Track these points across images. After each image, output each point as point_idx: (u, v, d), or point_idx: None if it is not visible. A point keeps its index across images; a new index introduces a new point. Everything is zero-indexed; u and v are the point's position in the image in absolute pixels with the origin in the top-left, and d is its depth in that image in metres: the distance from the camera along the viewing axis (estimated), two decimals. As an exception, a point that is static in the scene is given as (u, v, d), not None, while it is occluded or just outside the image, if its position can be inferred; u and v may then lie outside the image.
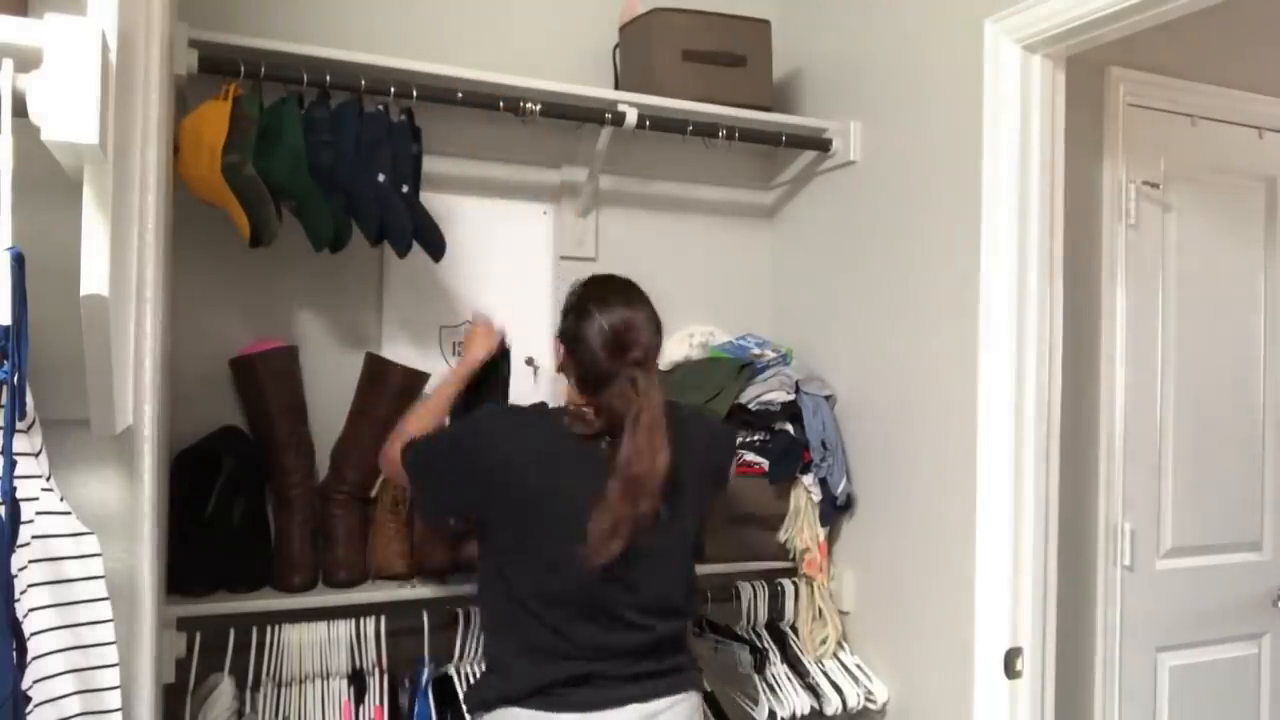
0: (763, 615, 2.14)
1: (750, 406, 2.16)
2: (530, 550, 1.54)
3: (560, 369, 1.65)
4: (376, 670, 1.79)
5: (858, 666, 2.12)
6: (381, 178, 1.81)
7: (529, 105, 1.96)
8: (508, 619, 1.57)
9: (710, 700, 2.00)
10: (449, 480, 1.59)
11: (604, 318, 1.53)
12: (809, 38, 2.40)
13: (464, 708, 1.73)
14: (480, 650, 1.85)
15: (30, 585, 0.99)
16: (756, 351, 2.28)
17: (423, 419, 1.73)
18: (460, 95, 1.91)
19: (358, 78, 1.82)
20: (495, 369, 1.88)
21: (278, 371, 1.89)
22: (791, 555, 2.20)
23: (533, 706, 1.50)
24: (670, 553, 1.59)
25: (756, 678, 2.05)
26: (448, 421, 1.78)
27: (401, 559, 1.90)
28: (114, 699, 1.05)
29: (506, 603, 1.56)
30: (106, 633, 1.05)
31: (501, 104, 1.95)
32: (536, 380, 2.17)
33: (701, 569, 2.12)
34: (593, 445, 1.53)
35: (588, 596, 1.51)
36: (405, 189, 1.84)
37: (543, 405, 1.68)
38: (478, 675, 1.84)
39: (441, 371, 2.00)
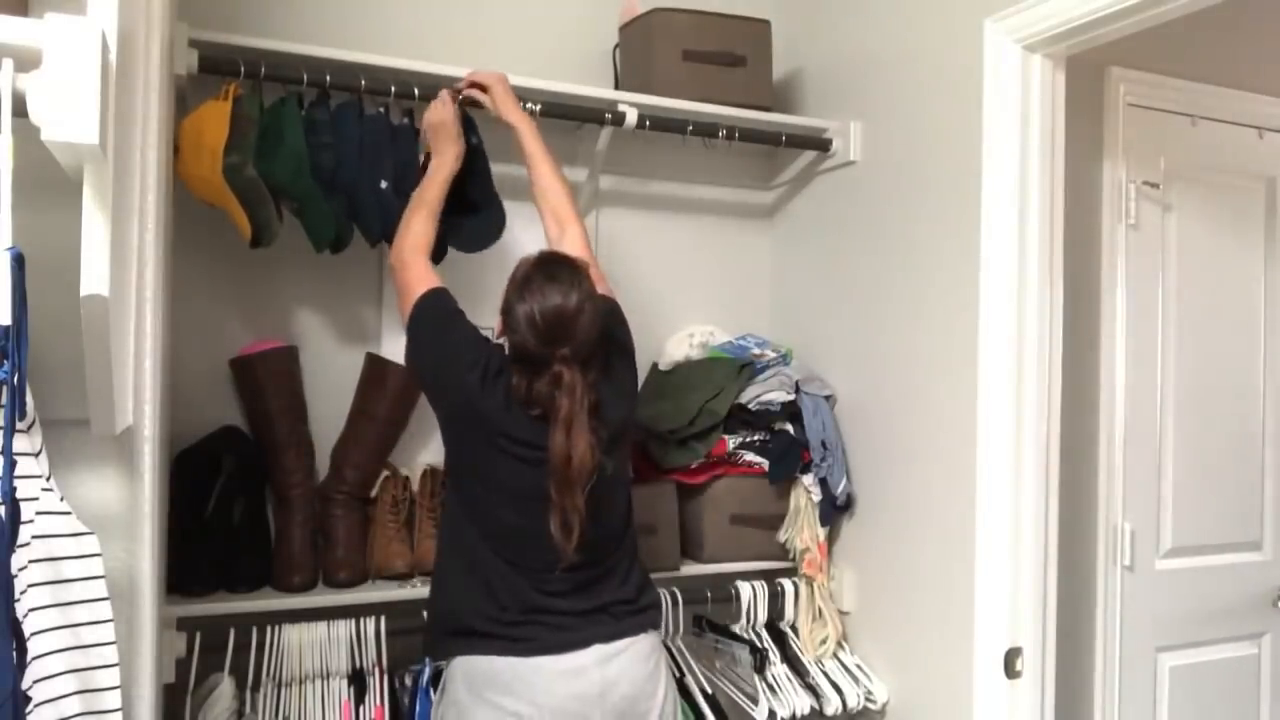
0: (763, 615, 2.14)
1: (750, 406, 2.16)
2: (474, 483, 1.59)
3: (499, 337, 1.65)
4: (376, 670, 1.79)
5: (858, 666, 2.12)
6: (384, 185, 1.81)
7: (529, 105, 1.96)
8: (460, 541, 1.61)
9: (710, 701, 2.00)
10: (433, 363, 1.60)
11: (537, 304, 1.52)
12: (809, 38, 2.40)
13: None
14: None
15: (30, 585, 0.98)
16: (756, 351, 2.28)
17: (425, 222, 1.71)
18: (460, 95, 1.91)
19: (358, 78, 1.82)
20: (474, 158, 1.85)
21: (278, 371, 1.89)
22: (791, 555, 2.20)
23: (493, 652, 1.53)
24: (605, 489, 1.58)
25: (756, 678, 2.05)
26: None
27: (401, 559, 1.90)
28: (114, 699, 1.05)
29: (462, 523, 1.61)
30: (106, 633, 1.04)
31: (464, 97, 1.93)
32: None
33: (701, 569, 2.14)
34: (535, 422, 1.54)
35: (530, 540, 1.53)
36: (408, 189, 1.84)
37: (506, 362, 1.62)
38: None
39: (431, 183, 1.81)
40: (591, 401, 1.52)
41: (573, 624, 1.56)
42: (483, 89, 1.87)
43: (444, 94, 1.84)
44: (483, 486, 1.59)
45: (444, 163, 1.79)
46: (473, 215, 1.91)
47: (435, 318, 1.61)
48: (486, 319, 2.05)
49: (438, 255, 1.88)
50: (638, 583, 1.66)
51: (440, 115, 1.81)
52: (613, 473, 1.59)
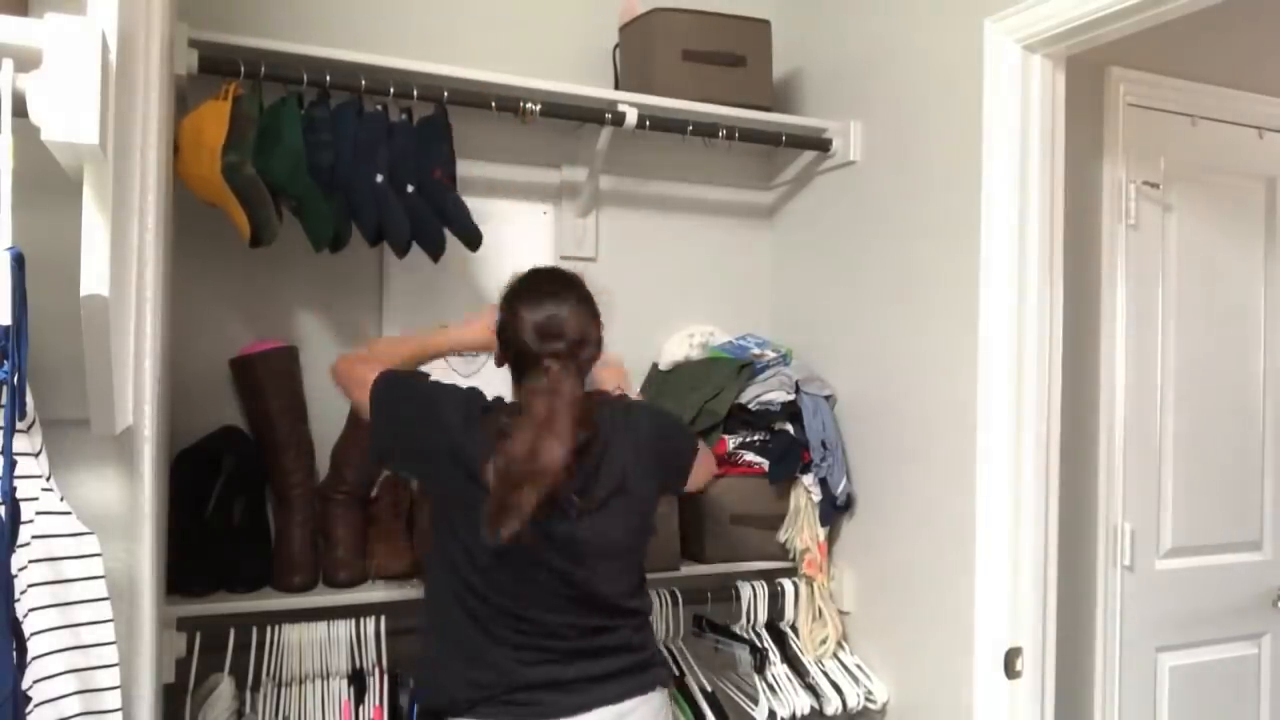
0: (763, 615, 2.14)
1: (750, 406, 2.16)
2: (462, 538, 1.51)
3: (498, 364, 1.66)
4: (376, 670, 1.79)
5: (858, 666, 2.12)
6: (379, 179, 1.81)
7: (529, 105, 1.96)
8: (445, 614, 1.56)
9: (711, 700, 2.00)
10: (407, 431, 1.56)
11: (529, 314, 1.54)
12: (809, 38, 2.40)
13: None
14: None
15: (30, 585, 0.99)
16: (756, 351, 2.28)
17: (397, 353, 1.70)
18: (460, 95, 1.91)
19: (358, 78, 1.83)
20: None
21: (278, 371, 1.89)
22: (791, 555, 2.20)
23: (487, 717, 1.49)
24: (613, 549, 1.55)
25: (756, 678, 2.05)
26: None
27: (401, 559, 1.90)
28: (114, 699, 1.05)
29: (446, 597, 1.56)
30: (106, 633, 1.05)
31: (499, 104, 1.95)
32: None
33: (701, 569, 2.14)
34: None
35: (523, 591, 1.49)
36: (410, 189, 1.84)
37: (497, 403, 1.61)
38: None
39: (437, 337, 1.82)
40: (579, 405, 1.49)
41: (580, 686, 1.51)
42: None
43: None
44: (475, 549, 1.49)
45: (470, 334, 1.74)
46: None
47: (397, 385, 1.59)
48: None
49: (435, 254, 1.89)
50: (641, 652, 1.60)
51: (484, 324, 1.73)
52: (611, 535, 1.54)
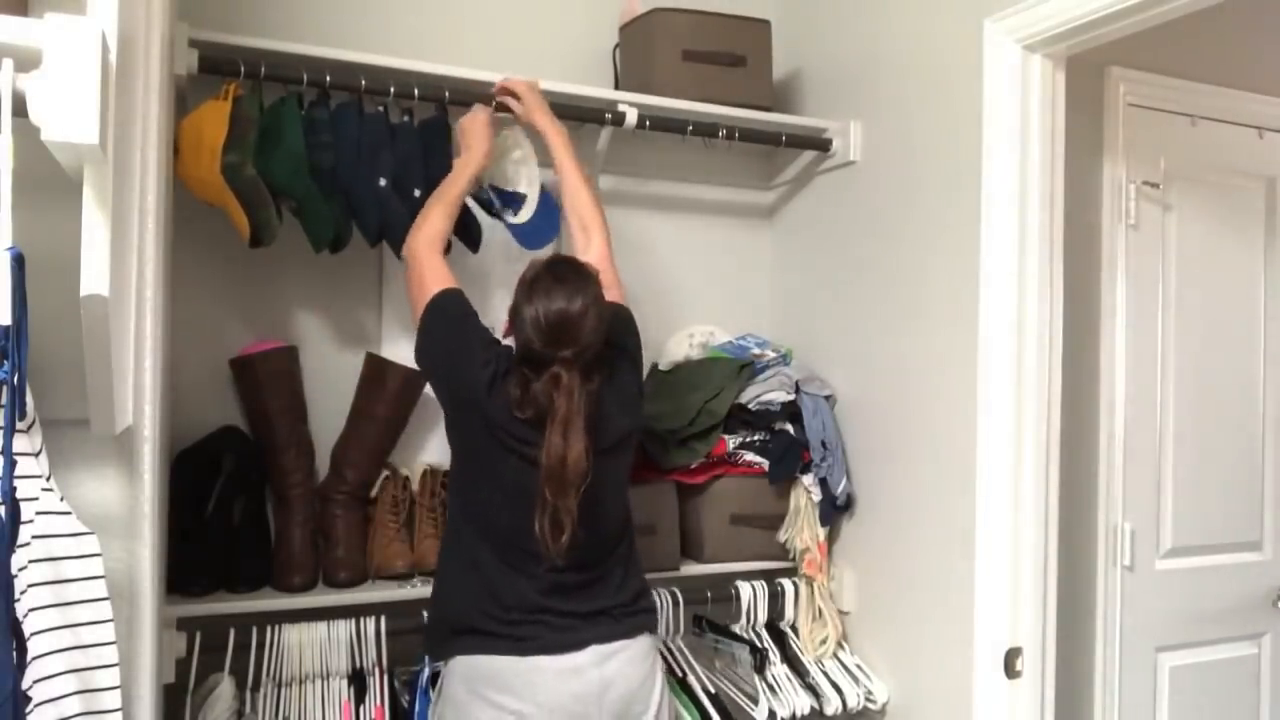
0: (763, 615, 2.14)
1: (750, 406, 2.16)
2: (477, 482, 1.60)
3: (505, 336, 1.66)
4: (376, 670, 1.79)
5: (858, 666, 2.12)
6: (383, 182, 1.81)
7: (529, 105, 1.96)
8: (461, 541, 1.63)
9: (714, 700, 2.00)
10: (445, 358, 1.62)
11: (541, 306, 1.54)
12: (809, 38, 2.39)
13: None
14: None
15: (30, 585, 0.98)
16: (756, 351, 2.28)
17: (443, 215, 1.73)
18: (461, 95, 1.91)
19: (358, 78, 1.82)
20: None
21: (278, 371, 1.89)
22: (791, 555, 2.20)
23: (494, 651, 1.54)
24: (603, 494, 1.59)
25: (756, 678, 2.05)
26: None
27: (401, 559, 1.90)
28: (114, 699, 1.05)
29: (463, 524, 1.63)
30: (106, 633, 1.04)
31: (501, 104, 1.94)
32: None
33: (701, 569, 2.14)
34: (530, 426, 1.55)
35: (530, 540, 1.53)
36: (418, 193, 1.84)
37: (511, 363, 1.63)
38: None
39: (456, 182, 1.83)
40: (589, 405, 1.53)
41: (572, 624, 1.57)
42: (514, 95, 1.90)
43: (478, 105, 1.89)
44: (485, 485, 1.59)
45: (470, 159, 1.81)
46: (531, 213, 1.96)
47: (449, 315, 1.63)
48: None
49: (475, 245, 1.90)
50: (635, 588, 1.67)
51: (473, 116, 1.86)
52: (612, 479, 1.60)
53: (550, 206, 1.99)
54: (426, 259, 1.67)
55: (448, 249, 1.82)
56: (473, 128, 1.84)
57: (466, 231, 1.95)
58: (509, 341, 1.64)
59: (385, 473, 1.98)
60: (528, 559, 1.56)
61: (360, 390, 1.96)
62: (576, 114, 2.05)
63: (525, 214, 1.96)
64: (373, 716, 1.74)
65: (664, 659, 1.85)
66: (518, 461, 1.55)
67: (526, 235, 1.97)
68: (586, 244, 1.81)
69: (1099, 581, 2.21)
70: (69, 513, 1.04)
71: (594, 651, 1.56)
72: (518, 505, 1.54)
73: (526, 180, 1.97)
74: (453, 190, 1.77)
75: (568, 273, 1.59)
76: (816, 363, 2.30)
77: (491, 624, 1.56)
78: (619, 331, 1.69)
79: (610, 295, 1.67)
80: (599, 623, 1.59)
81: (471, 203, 1.93)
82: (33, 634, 0.98)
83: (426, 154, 1.87)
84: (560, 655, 1.54)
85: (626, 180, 2.35)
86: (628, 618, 1.63)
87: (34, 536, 0.99)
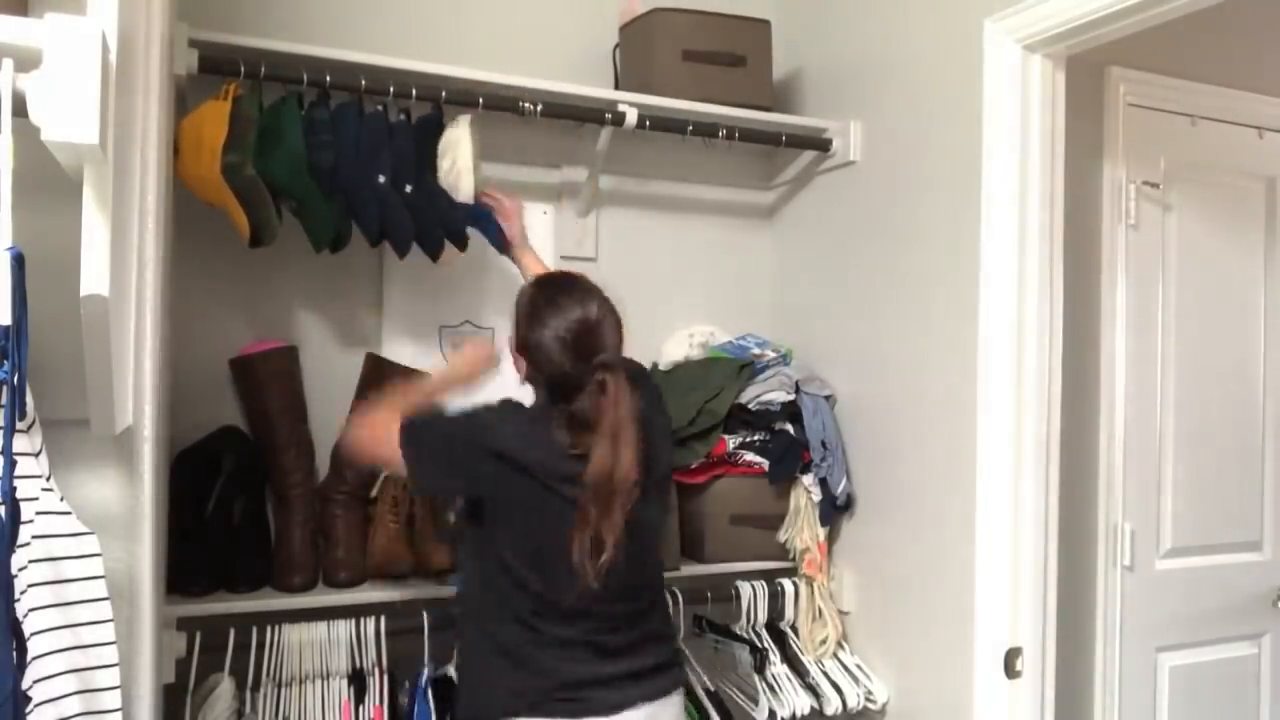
0: (763, 615, 2.14)
1: (750, 406, 2.16)
2: (523, 551, 1.50)
3: (525, 381, 1.59)
4: (376, 670, 1.79)
5: (858, 666, 2.12)
6: (382, 179, 1.81)
7: (529, 105, 1.96)
8: (488, 622, 1.55)
9: (713, 699, 2.00)
10: (450, 450, 1.52)
11: (557, 322, 1.47)
12: (809, 38, 2.39)
13: None
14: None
15: (30, 585, 0.98)
16: (756, 351, 2.28)
17: (392, 411, 1.59)
18: (460, 95, 1.91)
19: (358, 78, 1.82)
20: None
21: (278, 371, 1.89)
22: (791, 555, 2.20)
23: (545, 714, 1.48)
24: (650, 527, 1.58)
25: (756, 678, 2.05)
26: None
27: (401, 559, 1.90)
28: (114, 699, 1.05)
29: (490, 604, 1.55)
30: (106, 633, 1.05)
31: (499, 104, 1.94)
32: None
33: (701, 569, 2.14)
34: (574, 459, 1.48)
35: (576, 601, 1.48)
36: (409, 189, 1.84)
37: (538, 409, 1.58)
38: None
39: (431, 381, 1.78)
40: (638, 413, 1.46)
41: (621, 685, 1.53)
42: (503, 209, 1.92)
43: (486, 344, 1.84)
44: (532, 557, 1.49)
45: (445, 383, 1.71)
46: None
47: (428, 418, 1.55)
48: (485, 319, 2.06)
49: (434, 254, 1.89)
50: (672, 641, 1.66)
51: (481, 349, 1.77)
52: (653, 517, 1.57)
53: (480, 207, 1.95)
54: (375, 425, 1.55)
55: (404, 255, 1.84)
56: (472, 356, 1.74)
57: (427, 238, 1.88)
58: (525, 389, 1.57)
59: (385, 473, 1.97)
60: (570, 622, 1.50)
61: (360, 390, 1.96)
62: (576, 114, 2.06)
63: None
64: (372, 716, 1.74)
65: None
66: (565, 505, 1.46)
67: (492, 232, 1.94)
68: None
69: (1099, 581, 2.20)
70: (69, 513, 1.04)
71: (644, 710, 1.53)
72: (567, 561, 1.45)
73: (463, 191, 1.91)
74: (429, 391, 1.67)
75: (569, 284, 1.54)
76: (816, 363, 2.30)
77: (541, 696, 1.50)
78: (635, 372, 1.63)
79: None
80: (645, 680, 1.55)
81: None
82: (33, 634, 0.98)
83: (420, 151, 1.87)
84: (612, 715, 1.51)
85: (626, 180, 2.35)
86: (671, 669, 1.61)
87: (34, 536, 0.99)
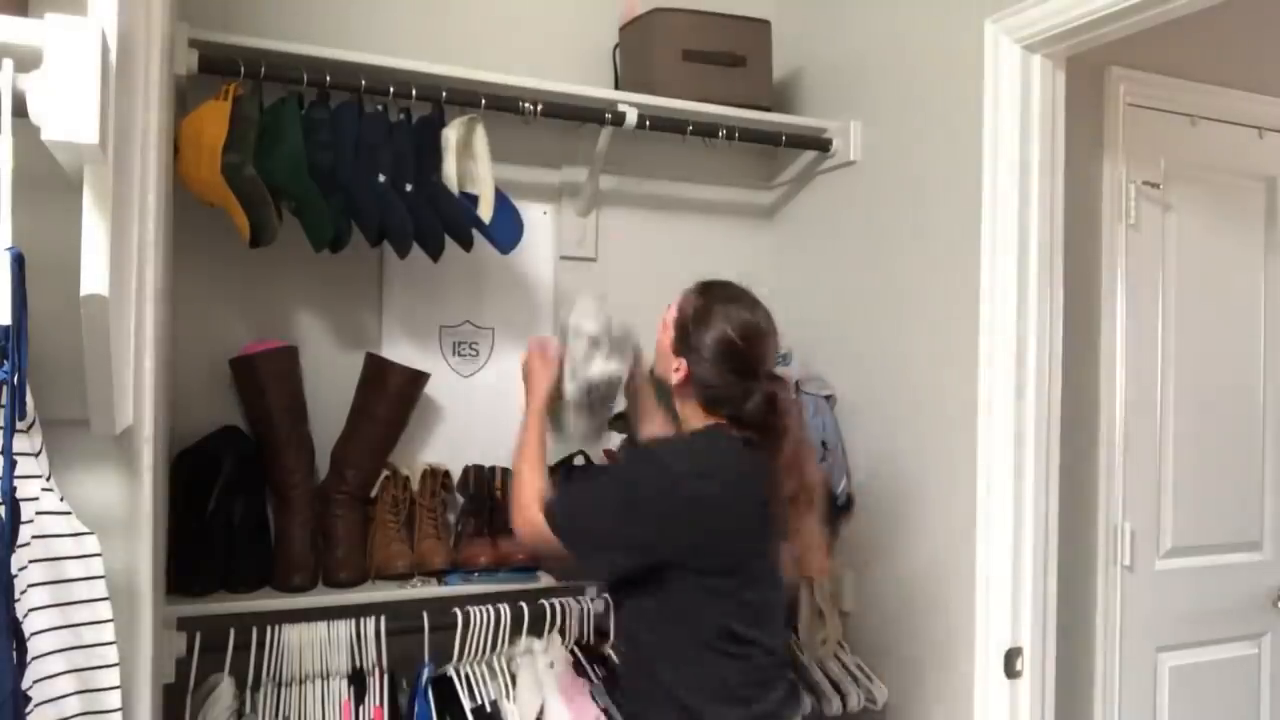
0: (763, 615, 2.13)
1: (750, 406, 2.15)
2: (733, 578, 1.46)
3: (681, 385, 1.53)
4: (376, 670, 1.79)
5: (858, 666, 2.11)
6: (382, 179, 1.81)
7: (529, 105, 1.96)
8: (698, 662, 1.47)
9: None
10: (625, 529, 1.45)
11: (727, 323, 1.45)
12: (809, 38, 2.39)
13: None
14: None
15: (30, 585, 0.99)
16: (756, 351, 2.27)
17: (534, 470, 1.57)
18: (460, 95, 1.91)
19: (358, 78, 1.82)
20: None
21: (278, 371, 1.89)
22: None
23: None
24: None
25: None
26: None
27: (401, 559, 1.90)
28: (114, 699, 1.05)
29: (697, 646, 1.47)
30: (106, 633, 1.05)
31: (499, 104, 1.94)
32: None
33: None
34: (758, 456, 1.45)
35: (769, 616, 1.51)
36: (409, 189, 1.84)
37: (708, 433, 1.51)
38: (479, 675, 1.82)
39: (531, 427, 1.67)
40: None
41: (791, 706, 1.56)
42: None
43: (544, 339, 1.74)
44: (743, 586, 1.48)
45: (535, 400, 1.65)
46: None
47: (580, 499, 1.52)
48: (485, 319, 2.05)
49: (435, 254, 1.89)
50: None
51: (542, 351, 1.68)
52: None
53: (507, 203, 1.95)
54: (537, 513, 1.50)
55: (404, 255, 1.82)
56: (538, 366, 1.67)
57: (428, 238, 1.88)
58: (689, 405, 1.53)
59: (385, 473, 1.98)
60: (765, 655, 1.49)
61: (360, 390, 1.96)
62: (576, 114, 2.06)
63: (485, 213, 1.91)
64: (372, 716, 1.74)
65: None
66: (762, 562, 1.48)
67: (496, 233, 1.94)
68: None
69: (1099, 581, 2.21)
70: (69, 513, 1.04)
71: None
72: (764, 593, 1.47)
73: (482, 180, 1.91)
74: (533, 442, 1.59)
75: (738, 290, 1.52)
76: (816, 363, 2.30)
77: (741, 706, 1.48)
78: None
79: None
80: (791, 704, 1.57)
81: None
82: (33, 634, 0.98)
83: (419, 151, 1.87)
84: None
85: (626, 180, 2.35)
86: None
87: (34, 536, 0.99)
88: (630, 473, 1.56)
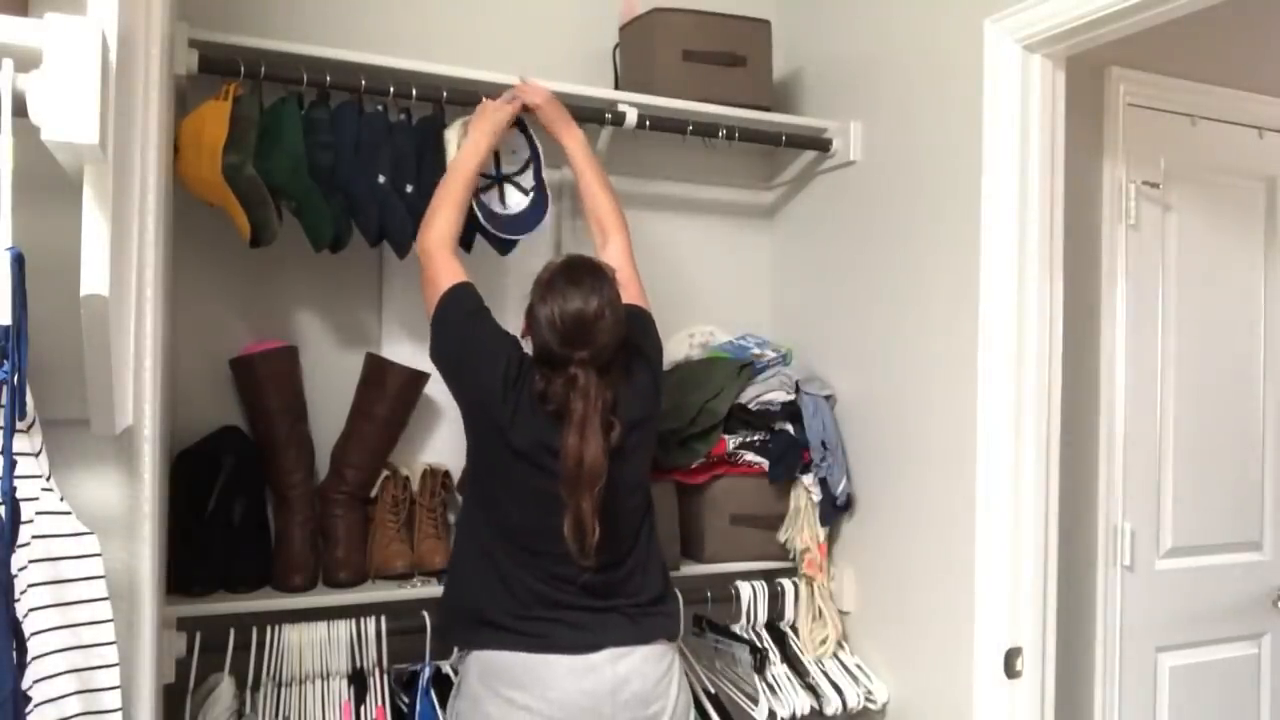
0: (763, 615, 2.14)
1: (750, 406, 2.15)
2: (490, 481, 1.63)
3: (523, 336, 1.68)
4: (377, 670, 1.79)
5: (858, 666, 2.12)
6: (381, 179, 1.81)
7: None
8: (478, 535, 1.65)
9: (713, 700, 2.00)
10: (456, 363, 1.64)
11: (557, 306, 1.55)
12: (809, 38, 2.40)
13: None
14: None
15: (30, 585, 0.99)
16: (756, 351, 2.28)
17: (448, 209, 1.71)
18: (460, 95, 1.91)
19: (358, 78, 1.82)
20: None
21: (277, 372, 1.89)
22: (791, 555, 2.20)
23: (508, 647, 1.55)
24: (620, 493, 1.60)
25: (756, 678, 2.05)
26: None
27: (401, 559, 1.90)
28: (114, 699, 1.05)
29: (479, 519, 1.65)
30: (106, 633, 1.05)
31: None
32: None
33: (701, 569, 2.14)
34: (550, 420, 1.57)
35: (544, 540, 1.55)
36: (409, 189, 1.84)
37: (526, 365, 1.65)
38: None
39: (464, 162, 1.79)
40: (605, 404, 1.54)
41: (588, 623, 1.57)
42: (529, 108, 1.89)
43: (513, 97, 1.87)
44: (497, 484, 1.62)
45: (474, 150, 1.78)
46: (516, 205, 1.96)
47: (458, 314, 1.64)
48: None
49: (467, 244, 1.89)
50: (655, 590, 1.67)
51: (500, 107, 1.83)
52: (630, 476, 1.61)
53: (541, 206, 1.97)
54: (435, 255, 1.68)
55: (469, 246, 1.84)
56: (495, 117, 1.81)
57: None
58: (526, 342, 1.65)
59: (385, 473, 1.98)
60: (541, 557, 1.57)
61: (360, 390, 1.96)
62: (576, 114, 2.05)
63: (515, 205, 1.94)
64: (373, 716, 1.74)
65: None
66: (527, 467, 1.57)
67: (507, 225, 1.94)
68: (604, 244, 1.84)
69: (1099, 581, 2.21)
70: (69, 513, 1.04)
71: (609, 653, 1.56)
72: (528, 506, 1.56)
73: (530, 174, 1.96)
74: (456, 182, 1.74)
75: (583, 273, 1.60)
76: (816, 363, 2.30)
77: (507, 619, 1.57)
78: (636, 333, 1.69)
79: (628, 295, 1.69)
80: (616, 623, 1.59)
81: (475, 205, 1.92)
82: (33, 634, 0.98)
83: (420, 152, 1.87)
84: (574, 655, 1.55)
85: (627, 180, 2.34)
86: (645, 619, 1.63)
87: (34, 536, 0.99)
88: (473, 320, 1.67)
